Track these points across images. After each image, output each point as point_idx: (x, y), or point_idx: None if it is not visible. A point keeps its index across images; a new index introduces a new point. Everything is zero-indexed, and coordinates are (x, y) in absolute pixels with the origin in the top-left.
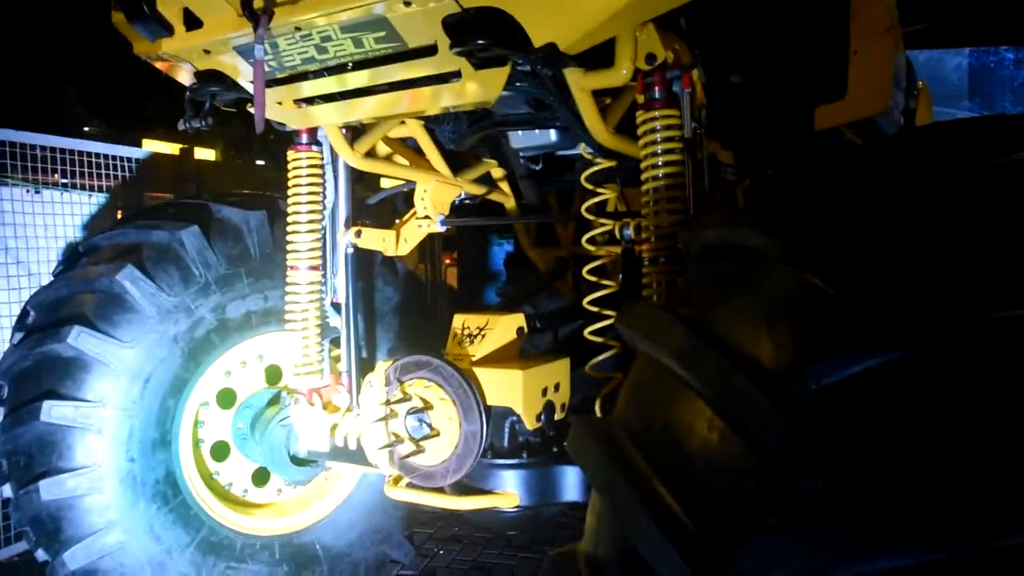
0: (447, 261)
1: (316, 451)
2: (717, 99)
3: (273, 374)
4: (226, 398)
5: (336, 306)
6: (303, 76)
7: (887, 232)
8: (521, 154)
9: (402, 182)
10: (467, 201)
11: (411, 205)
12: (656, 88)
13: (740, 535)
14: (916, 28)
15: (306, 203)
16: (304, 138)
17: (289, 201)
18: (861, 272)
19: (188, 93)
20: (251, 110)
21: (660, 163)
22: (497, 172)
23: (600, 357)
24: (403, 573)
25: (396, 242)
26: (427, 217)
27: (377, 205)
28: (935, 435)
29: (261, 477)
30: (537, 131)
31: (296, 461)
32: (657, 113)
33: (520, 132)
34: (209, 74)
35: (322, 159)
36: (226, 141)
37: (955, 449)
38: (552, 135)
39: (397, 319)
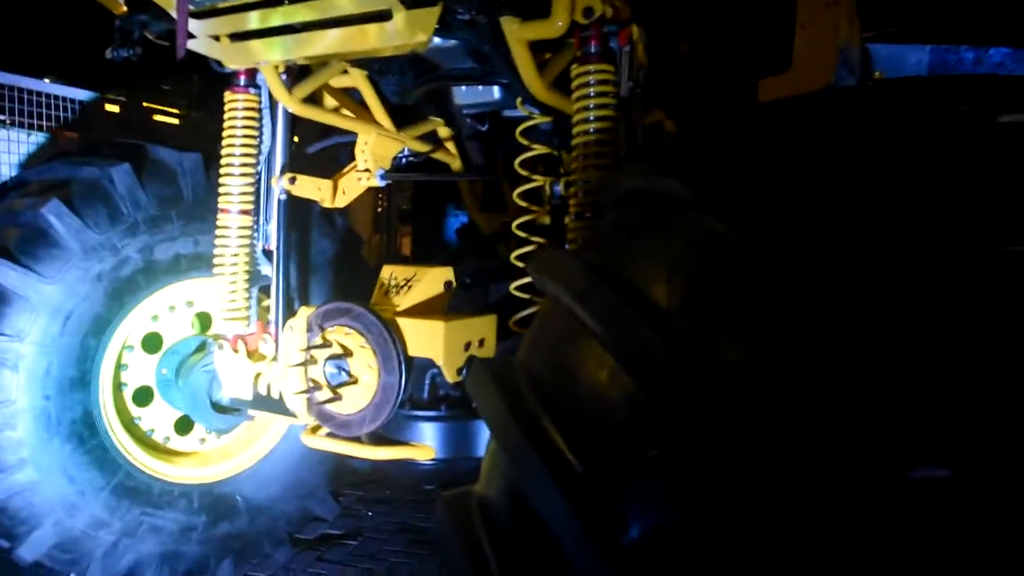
0: (403, 233)
1: (238, 399)
2: (663, 66)
3: (203, 322)
4: (152, 343)
5: (268, 254)
6: (238, 8)
7: (793, 182)
8: (465, 111)
9: (344, 134)
10: (411, 159)
11: (353, 158)
12: (592, 42)
13: (624, 472)
14: (886, 31)
15: (240, 146)
16: (242, 80)
17: (223, 143)
18: (764, 219)
19: (118, 22)
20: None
21: (592, 118)
22: (444, 132)
23: (523, 312)
24: (329, 532)
25: (333, 193)
26: (367, 170)
27: (319, 157)
28: (812, 377)
29: (184, 426)
30: (481, 87)
31: (218, 408)
32: (592, 67)
33: (464, 88)
34: (140, 2)
35: (260, 103)
36: (189, 99)
37: (830, 386)
38: (495, 92)
39: (332, 272)
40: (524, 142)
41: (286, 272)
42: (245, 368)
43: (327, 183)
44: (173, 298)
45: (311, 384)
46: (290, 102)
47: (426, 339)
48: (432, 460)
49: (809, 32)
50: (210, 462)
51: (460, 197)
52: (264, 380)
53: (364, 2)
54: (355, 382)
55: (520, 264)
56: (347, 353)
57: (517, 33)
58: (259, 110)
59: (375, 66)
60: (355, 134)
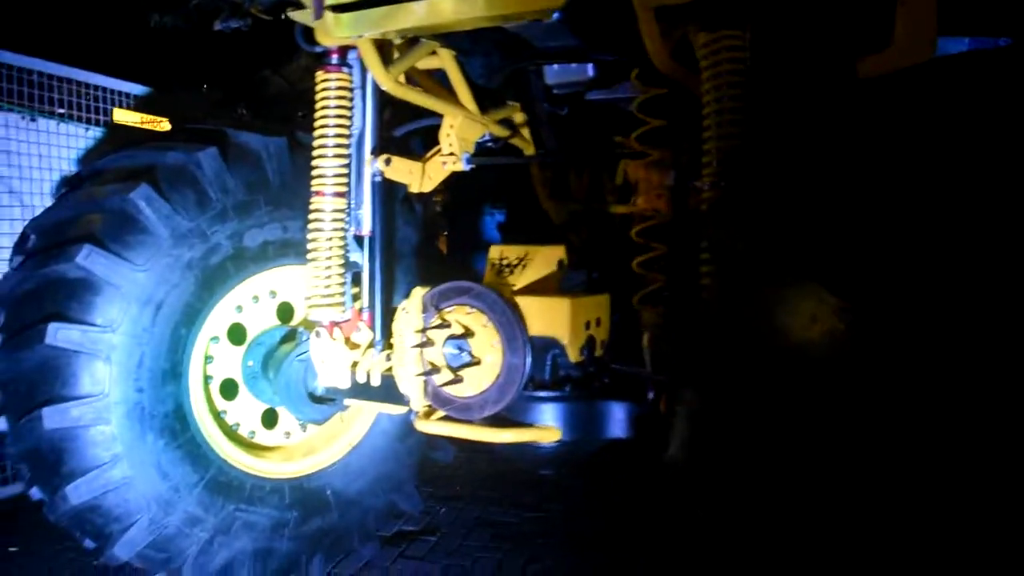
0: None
1: (335, 388)
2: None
3: (285, 312)
4: (236, 334)
5: (359, 239)
6: None
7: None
8: (556, 91)
9: (429, 118)
10: (489, 143)
11: (431, 145)
12: (722, 8)
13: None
14: None
15: (334, 126)
16: (335, 59)
17: (316, 124)
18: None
19: None
20: (292, 15)
21: (725, 84)
22: (519, 117)
23: (647, 289)
24: (405, 528)
25: (421, 178)
26: (452, 154)
27: (401, 143)
28: None
29: (269, 419)
30: (574, 66)
31: (313, 399)
32: (724, 33)
33: (556, 67)
34: None
35: (352, 82)
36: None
37: None
38: (589, 70)
39: (417, 260)
40: (641, 116)
41: (382, 257)
42: (342, 356)
43: (417, 166)
44: (258, 288)
45: (429, 367)
46: (386, 79)
47: (551, 318)
48: (555, 443)
49: (910, 6)
50: (297, 456)
51: (495, 197)
52: (363, 367)
53: None
54: (477, 363)
55: (640, 240)
56: (468, 333)
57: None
58: (351, 89)
59: (465, 46)
60: (439, 117)
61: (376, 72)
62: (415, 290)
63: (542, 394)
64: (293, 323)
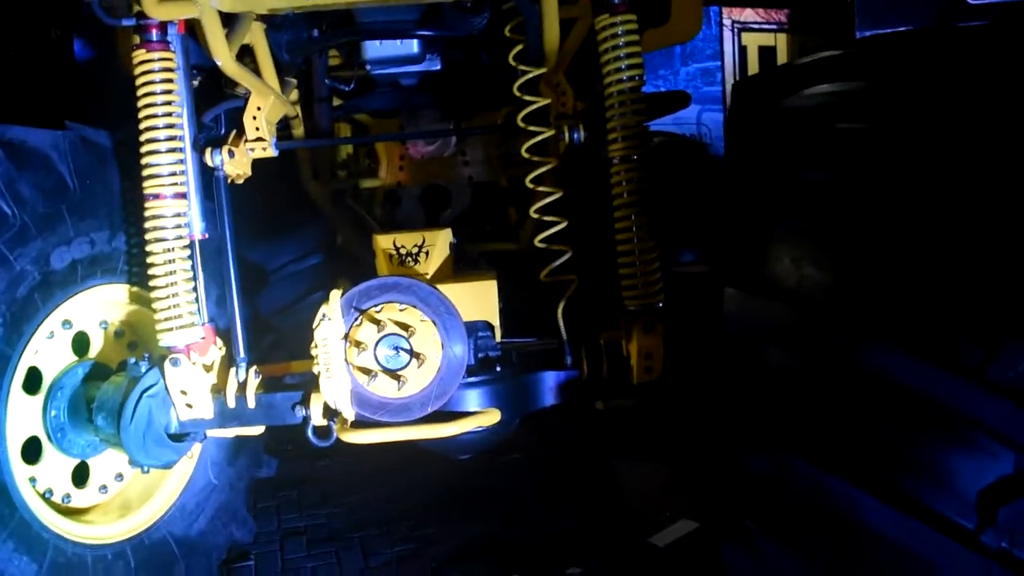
0: None
1: (199, 420)
2: None
3: (81, 345)
4: (30, 381)
5: (192, 245)
6: None
7: None
8: (370, 67)
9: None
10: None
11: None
12: None
13: None
14: None
15: (163, 115)
16: (154, 34)
17: (141, 113)
18: None
19: None
20: None
21: (624, 66)
22: (294, 94)
23: (555, 263)
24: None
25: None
26: (260, 139)
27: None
28: None
29: (79, 475)
30: (399, 42)
31: (171, 438)
32: (619, 19)
33: (379, 42)
34: None
35: (175, 62)
36: None
37: None
38: (414, 46)
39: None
40: (526, 97)
41: (234, 261)
42: (203, 381)
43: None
44: (52, 321)
45: (362, 375)
46: (226, 56)
47: (481, 301)
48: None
49: None
50: (127, 509)
51: None
52: (231, 390)
53: None
54: (423, 361)
55: (537, 216)
56: (407, 331)
57: None
58: (175, 70)
59: (277, 19)
60: (242, 99)
61: (216, 48)
62: (332, 294)
63: (476, 379)
64: (92, 355)
